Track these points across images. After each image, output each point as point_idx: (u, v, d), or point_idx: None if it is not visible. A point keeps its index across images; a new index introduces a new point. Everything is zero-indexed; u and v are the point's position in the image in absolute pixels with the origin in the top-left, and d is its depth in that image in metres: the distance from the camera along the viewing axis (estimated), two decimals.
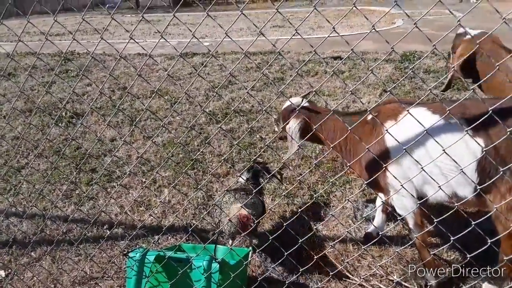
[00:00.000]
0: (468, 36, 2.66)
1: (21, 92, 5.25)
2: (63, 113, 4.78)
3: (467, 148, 1.71)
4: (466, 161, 1.69)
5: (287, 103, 2.48)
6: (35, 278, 2.44)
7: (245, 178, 2.58)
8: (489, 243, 1.46)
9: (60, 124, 4.55)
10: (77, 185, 3.40)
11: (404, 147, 1.56)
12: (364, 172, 2.15)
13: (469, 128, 1.51)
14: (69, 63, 6.99)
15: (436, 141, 1.52)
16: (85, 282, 2.40)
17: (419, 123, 1.47)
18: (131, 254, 1.95)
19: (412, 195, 1.87)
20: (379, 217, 2.58)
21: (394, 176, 1.70)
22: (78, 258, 2.61)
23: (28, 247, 2.64)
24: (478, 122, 1.45)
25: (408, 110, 1.49)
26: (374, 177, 1.80)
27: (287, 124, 2.39)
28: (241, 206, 2.11)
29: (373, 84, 5.09)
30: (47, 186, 3.39)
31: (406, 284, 2.06)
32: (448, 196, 1.84)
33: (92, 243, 2.73)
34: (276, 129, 2.73)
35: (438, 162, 1.77)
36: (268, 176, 2.58)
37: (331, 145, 1.91)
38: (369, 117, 2.06)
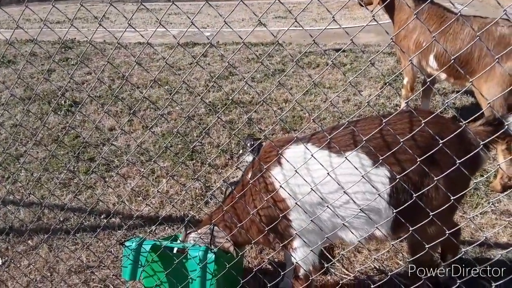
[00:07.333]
0: None
1: (20, 79, 5.23)
2: (62, 101, 4.76)
3: (373, 180, 1.58)
4: (377, 194, 1.56)
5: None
6: (31, 266, 2.45)
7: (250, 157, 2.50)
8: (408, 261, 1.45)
9: (59, 112, 4.53)
10: (75, 174, 3.40)
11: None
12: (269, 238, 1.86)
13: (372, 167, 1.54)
14: (69, 51, 6.94)
15: (338, 183, 1.52)
16: (81, 271, 2.41)
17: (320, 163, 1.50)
18: (127, 243, 1.95)
19: (319, 243, 1.72)
20: None
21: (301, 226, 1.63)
22: (75, 246, 2.62)
23: (25, 235, 2.65)
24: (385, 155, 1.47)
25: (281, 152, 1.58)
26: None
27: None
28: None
29: (375, 77, 5.05)
30: (45, 174, 3.39)
31: (402, 280, 2.06)
32: (367, 237, 1.72)
33: (89, 232, 2.73)
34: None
35: (348, 204, 1.63)
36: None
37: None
38: (248, 176, 1.84)
